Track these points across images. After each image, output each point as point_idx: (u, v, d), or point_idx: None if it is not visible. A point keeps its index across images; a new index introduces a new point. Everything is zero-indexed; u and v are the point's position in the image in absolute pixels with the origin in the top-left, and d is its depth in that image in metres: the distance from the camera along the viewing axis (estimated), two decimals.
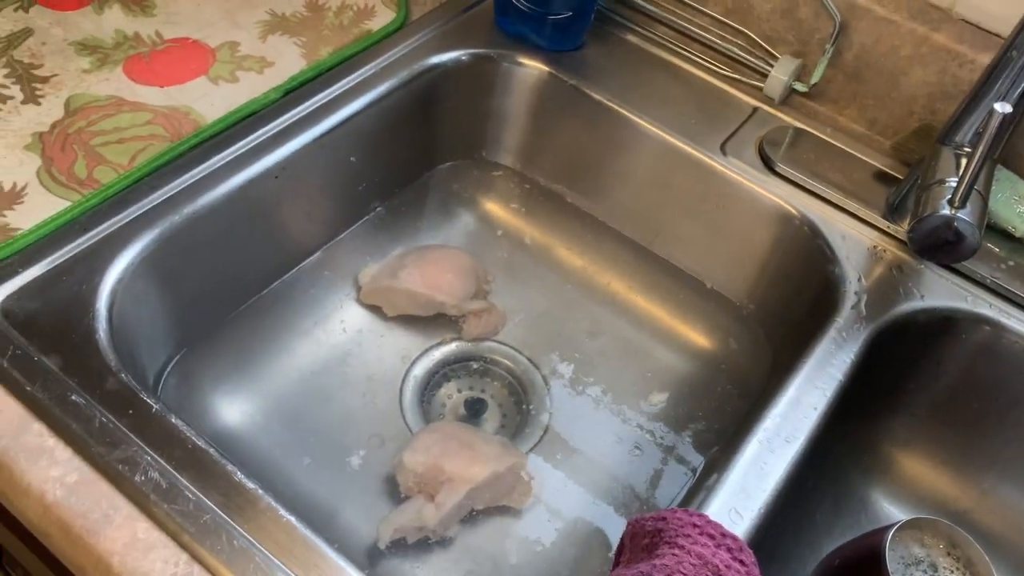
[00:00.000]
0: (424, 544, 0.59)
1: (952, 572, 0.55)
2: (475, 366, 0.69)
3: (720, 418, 0.67)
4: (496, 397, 0.68)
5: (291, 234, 0.68)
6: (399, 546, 0.58)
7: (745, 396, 0.68)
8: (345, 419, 0.64)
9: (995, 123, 0.50)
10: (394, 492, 0.60)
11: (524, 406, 0.67)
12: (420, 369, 0.68)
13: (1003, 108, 0.50)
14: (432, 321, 0.70)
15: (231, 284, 0.65)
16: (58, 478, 0.45)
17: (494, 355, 0.70)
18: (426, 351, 0.69)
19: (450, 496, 0.59)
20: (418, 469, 0.60)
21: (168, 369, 0.62)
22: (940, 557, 0.55)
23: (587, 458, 0.64)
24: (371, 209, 0.74)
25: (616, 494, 0.62)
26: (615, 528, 0.60)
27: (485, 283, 0.72)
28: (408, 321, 0.70)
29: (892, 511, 0.67)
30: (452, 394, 0.68)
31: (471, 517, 0.60)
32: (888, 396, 0.67)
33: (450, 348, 0.70)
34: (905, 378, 0.65)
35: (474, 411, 0.67)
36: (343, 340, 0.68)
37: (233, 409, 0.62)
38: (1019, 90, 0.55)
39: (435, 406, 0.67)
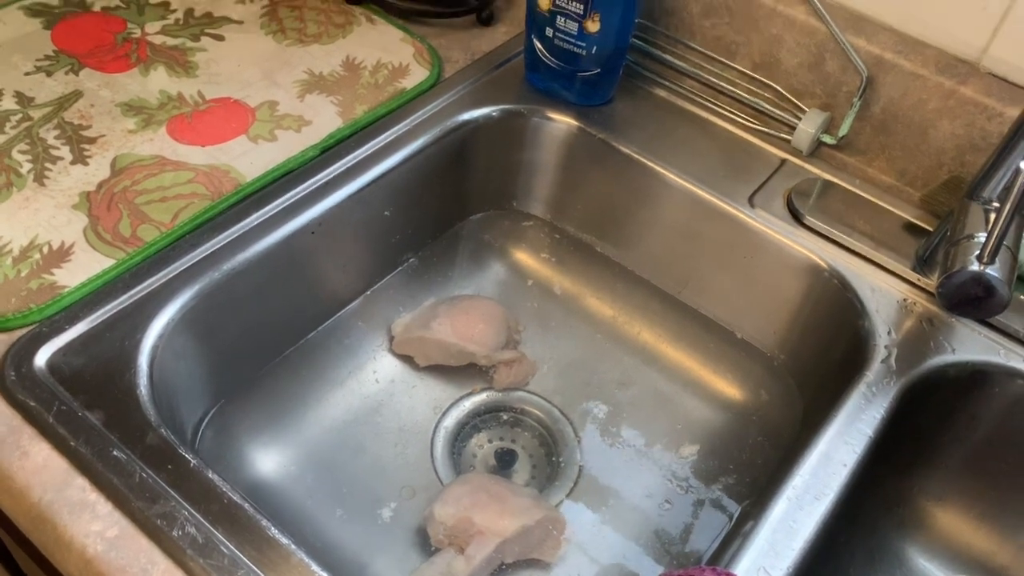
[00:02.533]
0: None
1: None
2: (505, 416, 0.70)
3: (752, 470, 0.66)
4: (527, 448, 0.69)
5: (326, 286, 0.70)
6: None
7: (777, 447, 0.68)
8: (377, 470, 0.65)
9: (1022, 181, 0.50)
10: (424, 544, 0.61)
11: (554, 457, 0.68)
12: (451, 419, 0.69)
13: None
14: (463, 371, 0.71)
15: (267, 337, 0.66)
16: (99, 532, 0.47)
17: (524, 405, 0.70)
18: (457, 401, 0.70)
19: (480, 549, 0.59)
20: (448, 522, 0.60)
21: (206, 421, 0.63)
22: None
23: (617, 511, 0.64)
24: (404, 260, 0.75)
25: (647, 547, 0.62)
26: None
27: (516, 333, 0.73)
28: (439, 371, 0.71)
29: (927, 567, 0.67)
30: (483, 444, 0.69)
31: (501, 570, 0.61)
32: (921, 450, 0.66)
33: (481, 398, 0.70)
34: (938, 432, 0.65)
35: (504, 462, 0.68)
36: (376, 390, 0.69)
37: (268, 459, 0.64)
38: None
39: (466, 457, 0.68)
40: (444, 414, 0.69)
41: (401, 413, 0.68)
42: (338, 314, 0.71)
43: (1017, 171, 0.50)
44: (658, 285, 0.76)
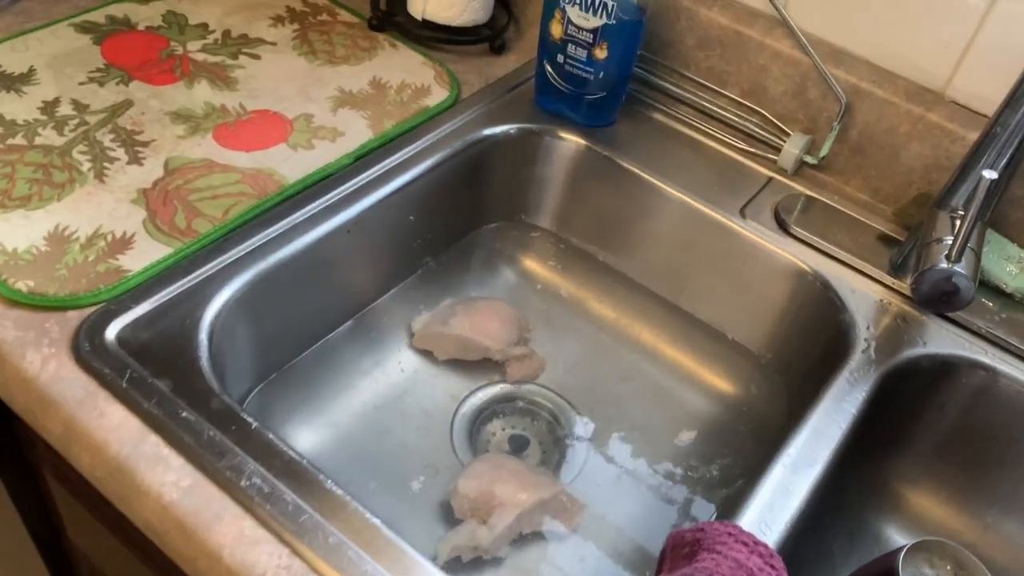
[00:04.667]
0: (477, 562, 0.64)
1: None
2: (518, 406, 0.76)
3: (744, 453, 0.73)
4: (537, 435, 0.74)
5: (356, 283, 0.76)
6: (455, 564, 0.64)
7: (766, 434, 0.74)
8: (402, 450, 0.70)
9: (983, 187, 0.58)
10: (448, 516, 0.66)
11: (563, 442, 0.74)
12: (468, 407, 0.75)
13: (990, 174, 0.58)
14: (478, 365, 0.77)
15: (304, 326, 0.72)
16: (173, 482, 0.52)
17: (535, 396, 0.76)
18: (473, 392, 0.76)
19: (501, 519, 0.65)
20: (472, 494, 0.66)
21: (247, 402, 0.68)
22: None
23: (623, 489, 0.70)
24: (423, 263, 0.81)
25: (652, 520, 0.68)
26: (652, 547, 0.66)
27: (526, 331, 0.80)
28: (457, 364, 0.77)
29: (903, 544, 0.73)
30: (497, 431, 0.74)
31: (520, 539, 0.66)
32: (896, 438, 0.73)
33: (495, 389, 0.76)
34: (911, 421, 0.72)
35: (517, 447, 0.74)
36: (399, 380, 0.75)
37: (303, 438, 0.69)
38: (1004, 160, 0.63)
39: (482, 441, 0.73)
40: (462, 402, 0.75)
41: (422, 401, 0.74)
42: (365, 309, 0.77)
43: (979, 179, 0.58)
44: (656, 291, 0.83)
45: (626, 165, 0.80)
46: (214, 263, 0.63)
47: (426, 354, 0.77)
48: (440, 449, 0.71)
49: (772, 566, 0.53)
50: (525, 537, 0.66)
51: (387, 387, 0.74)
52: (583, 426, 0.74)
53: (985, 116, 0.72)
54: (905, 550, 0.60)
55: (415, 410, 0.73)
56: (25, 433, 0.68)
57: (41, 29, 0.80)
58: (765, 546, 0.53)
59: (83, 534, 0.68)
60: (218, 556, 0.49)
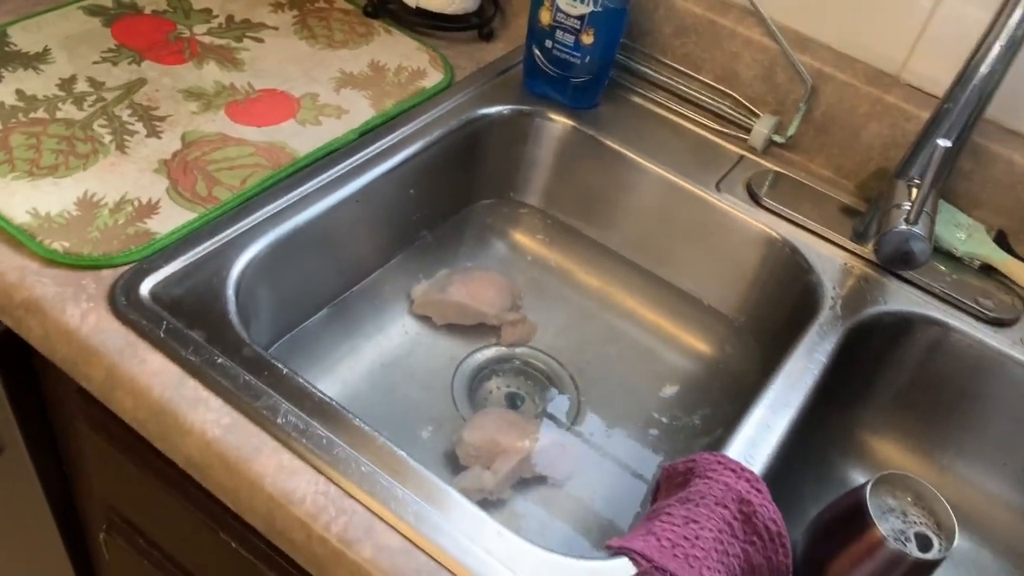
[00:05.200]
0: (483, 504, 0.69)
1: (919, 518, 0.67)
2: (513, 365, 0.81)
3: (723, 406, 0.79)
4: (531, 393, 0.80)
5: (361, 252, 0.80)
6: None
7: (740, 392, 0.81)
8: (409, 405, 0.75)
9: (938, 154, 0.65)
10: (454, 464, 0.71)
11: (556, 399, 0.79)
12: (467, 367, 0.80)
13: (944, 143, 0.65)
14: (475, 329, 0.82)
15: (314, 291, 0.77)
16: (214, 420, 0.56)
17: (528, 358, 0.82)
18: (470, 354, 0.81)
19: (505, 464, 0.70)
20: (477, 443, 0.71)
21: None
22: (909, 506, 0.67)
23: (615, 437, 0.76)
24: (420, 236, 0.86)
25: (643, 463, 0.74)
26: (642, 487, 0.72)
27: (518, 299, 0.85)
28: (455, 329, 0.82)
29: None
30: (494, 389, 0.79)
31: (521, 483, 0.71)
32: (859, 390, 0.80)
33: (491, 351, 0.82)
34: (873, 374, 0.79)
35: (513, 403, 0.79)
36: (402, 343, 0.80)
37: None
38: (955, 133, 0.70)
39: (480, 398, 0.78)
40: (461, 363, 0.80)
41: (424, 361, 0.79)
42: (367, 278, 0.82)
43: (935, 146, 0.65)
44: (638, 261, 0.89)
45: (610, 144, 0.86)
46: (237, 226, 0.68)
47: (425, 320, 0.82)
48: (443, 405, 0.76)
49: (758, 489, 0.59)
50: (526, 481, 0.72)
51: (390, 349, 0.79)
52: (573, 384, 0.80)
53: (936, 97, 0.79)
54: (871, 483, 0.66)
55: (418, 369, 0.78)
56: (53, 389, 0.71)
57: (51, 11, 0.84)
58: (751, 472, 0.59)
59: (113, 482, 0.72)
60: (260, 485, 0.54)
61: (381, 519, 0.53)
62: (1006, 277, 0.78)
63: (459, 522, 0.54)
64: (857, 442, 0.82)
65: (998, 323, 0.75)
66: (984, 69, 0.68)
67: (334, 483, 0.54)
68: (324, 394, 0.58)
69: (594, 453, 0.75)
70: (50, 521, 0.82)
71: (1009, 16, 0.66)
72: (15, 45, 0.79)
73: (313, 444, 0.55)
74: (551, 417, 0.78)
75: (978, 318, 0.75)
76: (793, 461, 0.77)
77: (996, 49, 0.67)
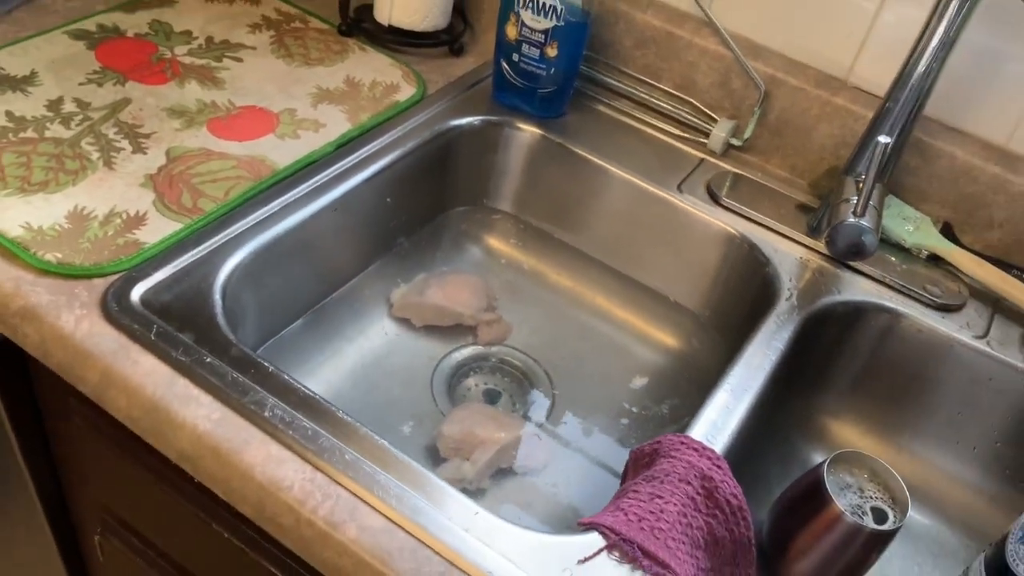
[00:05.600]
0: (463, 492, 0.73)
1: (875, 493, 0.71)
2: (490, 363, 0.85)
3: (690, 396, 0.83)
4: (508, 389, 0.84)
5: (341, 259, 0.84)
6: None
7: (706, 383, 0.84)
8: (390, 403, 0.79)
9: (879, 150, 0.70)
10: (434, 456, 0.75)
11: (531, 393, 0.83)
12: (445, 366, 0.83)
13: (885, 139, 0.70)
14: (452, 330, 0.86)
15: (298, 295, 0.80)
16: (205, 415, 0.59)
17: (504, 356, 0.86)
18: (448, 353, 0.85)
19: (483, 454, 0.74)
20: (456, 435, 0.74)
21: None
22: (865, 483, 0.71)
23: (587, 429, 0.80)
24: (398, 243, 0.90)
25: (614, 452, 0.78)
26: (614, 473, 0.76)
27: (493, 300, 0.89)
28: (433, 330, 0.86)
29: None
30: (472, 386, 0.83)
31: (498, 473, 0.75)
32: (818, 376, 0.84)
33: (468, 351, 0.85)
34: (830, 360, 0.83)
35: (490, 399, 0.83)
36: (383, 344, 0.83)
37: None
38: (897, 130, 0.75)
39: (459, 395, 0.82)
40: (440, 362, 0.83)
41: (404, 361, 0.83)
42: (347, 283, 0.86)
43: (876, 143, 0.70)
44: (606, 262, 0.93)
45: (577, 150, 0.90)
46: (221, 235, 0.71)
47: (404, 322, 0.86)
48: (423, 402, 0.80)
49: (719, 466, 0.63)
50: (503, 471, 0.75)
51: (371, 351, 0.83)
52: (548, 379, 0.84)
53: (879, 97, 0.84)
54: (828, 461, 0.70)
55: (398, 369, 0.82)
56: (46, 397, 0.74)
57: (36, 37, 0.87)
58: (712, 451, 0.63)
59: (109, 483, 0.75)
60: (250, 475, 0.57)
61: (364, 502, 0.56)
62: (952, 266, 0.83)
63: (439, 503, 0.57)
64: (818, 426, 0.86)
65: (946, 309, 0.80)
66: (920, 68, 0.73)
67: (320, 470, 0.57)
68: (308, 389, 0.62)
69: (569, 443, 0.79)
70: (44, 527, 0.85)
71: (941, 18, 0.71)
72: (3, 69, 0.82)
73: (299, 435, 0.59)
74: (527, 411, 0.81)
75: (927, 305, 0.80)
76: (758, 445, 0.82)
77: (930, 49, 0.72)
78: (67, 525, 0.86)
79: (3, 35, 0.87)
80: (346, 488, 0.57)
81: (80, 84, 0.83)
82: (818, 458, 0.85)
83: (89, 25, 0.90)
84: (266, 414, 0.60)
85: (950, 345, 0.79)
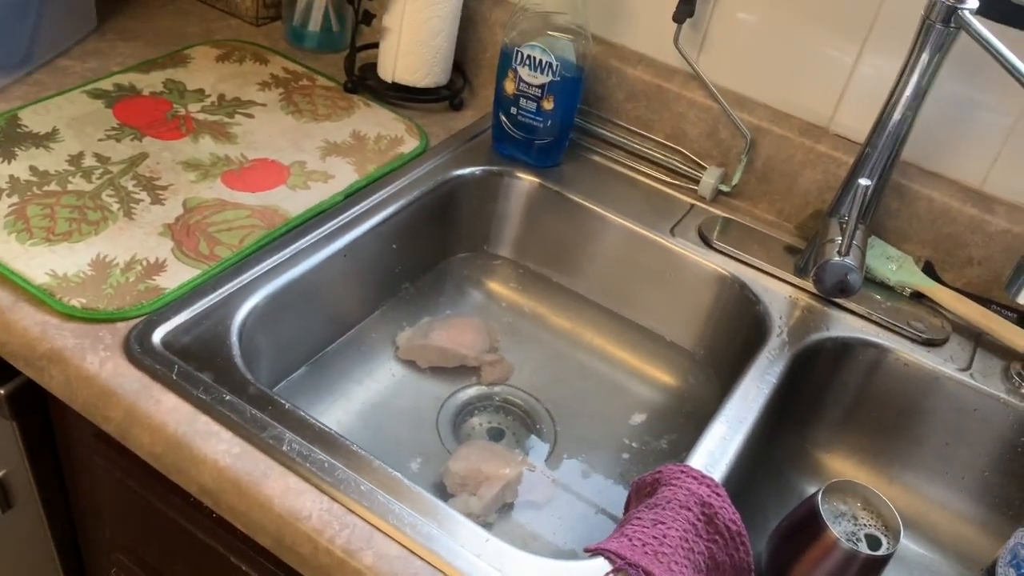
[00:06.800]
0: None
1: (868, 520, 0.74)
2: (493, 403, 0.88)
3: (687, 432, 0.86)
4: (511, 427, 0.86)
5: (348, 304, 0.87)
6: None
7: (703, 418, 0.87)
8: (398, 441, 0.81)
9: (860, 192, 0.74)
10: (442, 493, 0.77)
11: (534, 431, 0.86)
12: (450, 406, 0.86)
13: (865, 182, 0.74)
14: (456, 371, 0.89)
15: (308, 338, 0.83)
16: (226, 450, 0.62)
17: (507, 395, 0.88)
18: (453, 393, 0.88)
19: (489, 490, 0.76)
20: (462, 472, 0.77)
21: None
22: (858, 510, 0.74)
23: (589, 464, 0.82)
24: (402, 288, 0.94)
25: (615, 485, 0.80)
26: (616, 507, 0.78)
27: (495, 341, 0.92)
28: (438, 371, 0.89)
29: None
30: (476, 425, 0.86)
31: (504, 508, 0.77)
32: (810, 411, 0.87)
33: (472, 391, 0.88)
34: (821, 394, 0.86)
35: (495, 437, 0.85)
36: (389, 386, 0.86)
37: None
38: (877, 173, 0.79)
39: (464, 434, 0.85)
40: (445, 402, 0.86)
41: (411, 401, 0.85)
42: (355, 328, 0.89)
43: (857, 186, 0.74)
44: (603, 303, 0.97)
45: (574, 197, 0.94)
46: (236, 281, 0.75)
47: (410, 363, 0.89)
48: (429, 441, 0.82)
49: (718, 494, 0.66)
50: (509, 506, 0.78)
51: (378, 392, 0.85)
52: (550, 417, 0.87)
53: (861, 144, 0.89)
54: (822, 490, 0.73)
55: (405, 409, 0.84)
56: (66, 438, 0.77)
57: (56, 96, 0.91)
58: (712, 479, 0.66)
59: (126, 523, 0.77)
60: (269, 506, 0.60)
61: (380, 530, 0.59)
62: (935, 302, 0.87)
63: (451, 531, 0.60)
64: (811, 459, 0.88)
65: (930, 343, 0.83)
66: (896, 116, 0.78)
67: (337, 501, 0.60)
68: (323, 424, 0.65)
69: (571, 478, 0.81)
70: (58, 570, 0.86)
71: (912, 70, 0.76)
72: (26, 127, 0.86)
73: (316, 468, 0.62)
74: (530, 448, 0.84)
75: (912, 340, 0.83)
76: (754, 477, 0.84)
77: (904, 99, 0.77)
78: (80, 569, 0.88)
79: (25, 95, 0.91)
80: (362, 517, 0.59)
81: (99, 140, 0.87)
82: (812, 489, 0.87)
83: (106, 85, 0.94)
84: (284, 448, 0.62)
85: (935, 378, 0.82)
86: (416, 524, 0.59)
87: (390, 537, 0.58)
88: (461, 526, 0.60)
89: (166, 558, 0.76)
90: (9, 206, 0.77)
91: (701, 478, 0.66)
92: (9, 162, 0.82)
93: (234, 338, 0.70)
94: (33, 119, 0.88)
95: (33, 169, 0.81)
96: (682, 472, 0.66)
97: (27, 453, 0.76)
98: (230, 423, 0.63)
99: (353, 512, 0.60)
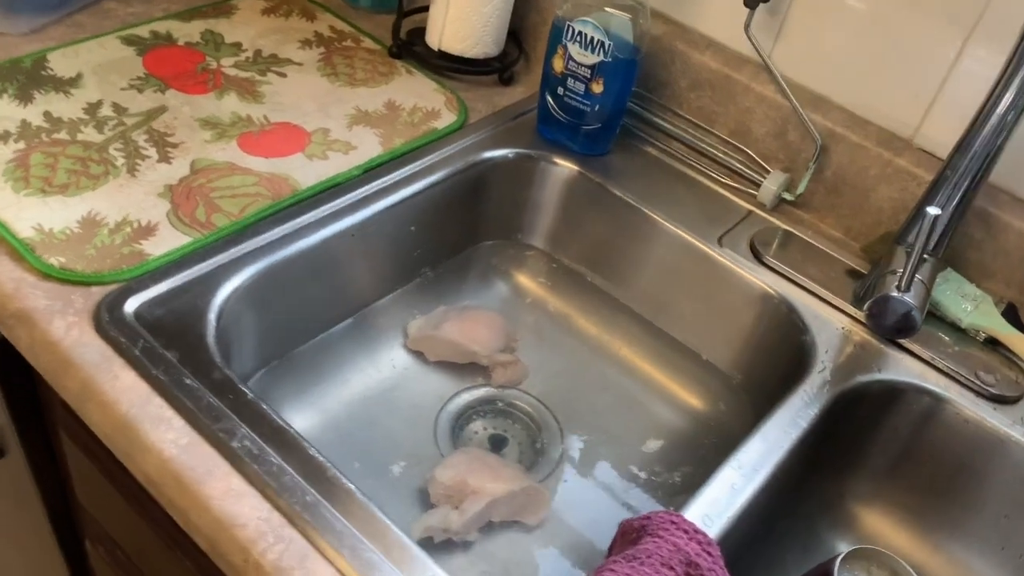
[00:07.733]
0: (448, 544, 0.69)
1: None
2: (499, 408, 0.81)
3: (706, 465, 0.77)
4: (516, 436, 0.80)
5: (356, 284, 0.82)
6: (427, 544, 0.69)
7: (727, 452, 0.78)
8: (388, 440, 0.76)
9: (927, 223, 0.63)
10: (424, 502, 0.72)
11: (539, 444, 0.79)
12: (453, 406, 0.80)
13: (934, 211, 0.63)
14: (466, 368, 0.83)
15: (307, 319, 0.78)
16: (173, 440, 0.57)
17: (517, 401, 0.82)
18: (458, 392, 0.81)
19: (473, 505, 0.70)
20: (447, 482, 0.71)
21: (250, 382, 0.74)
22: None
23: (591, 489, 0.75)
24: (421, 272, 0.88)
25: (613, 519, 0.73)
26: (604, 546, 0.71)
27: (513, 340, 0.85)
28: (446, 366, 0.83)
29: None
30: (478, 430, 0.80)
31: (488, 527, 0.71)
32: (849, 457, 0.77)
33: (479, 392, 0.82)
34: (866, 441, 0.76)
35: (496, 446, 0.79)
36: (391, 376, 0.81)
37: (296, 422, 0.74)
38: (954, 201, 0.68)
39: (463, 438, 0.79)
40: (448, 401, 0.80)
41: (411, 397, 0.80)
42: (363, 310, 0.83)
43: (923, 214, 0.63)
44: (637, 311, 0.88)
45: (616, 192, 0.86)
46: (227, 253, 0.70)
47: (418, 355, 0.83)
48: (423, 442, 0.77)
49: (709, 552, 0.57)
50: (494, 526, 0.71)
51: (378, 382, 0.80)
52: (559, 430, 0.79)
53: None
54: (842, 556, 0.64)
55: (403, 404, 0.79)
56: (46, 397, 0.74)
57: (90, 40, 0.89)
58: (704, 535, 0.58)
59: (90, 493, 0.74)
60: (207, 507, 0.55)
61: (317, 549, 0.53)
62: (1012, 352, 0.75)
63: (397, 561, 0.54)
64: (846, 512, 0.79)
65: (999, 400, 0.72)
66: (986, 131, 0.67)
67: (278, 510, 0.55)
68: (282, 421, 0.59)
69: (568, 502, 0.74)
70: (46, 526, 0.85)
71: (1009, 84, 0.64)
72: (52, 70, 0.84)
73: (263, 469, 0.56)
74: (531, 462, 0.77)
75: (978, 393, 0.72)
76: (774, 524, 0.75)
77: (996, 114, 0.66)
78: (69, 526, 0.87)
79: (61, 36, 0.89)
80: (300, 532, 0.54)
81: (122, 89, 0.83)
82: (843, 546, 0.78)
83: (143, 32, 0.91)
84: (234, 444, 0.58)
85: (1001, 440, 0.71)
86: (357, 548, 0.54)
87: (326, 558, 0.53)
88: (412, 557, 0.54)
89: (124, 533, 0.73)
90: (13, 152, 0.74)
91: (693, 532, 0.58)
92: (25, 105, 0.79)
93: (211, 316, 0.66)
94: (60, 62, 0.85)
95: (47, 115, 0.79)
96: (672, 523, 0.58)
97: (9, 409, 0.74)
98: (184, 409, 0.59)
99: (293, 524, 0.54)
